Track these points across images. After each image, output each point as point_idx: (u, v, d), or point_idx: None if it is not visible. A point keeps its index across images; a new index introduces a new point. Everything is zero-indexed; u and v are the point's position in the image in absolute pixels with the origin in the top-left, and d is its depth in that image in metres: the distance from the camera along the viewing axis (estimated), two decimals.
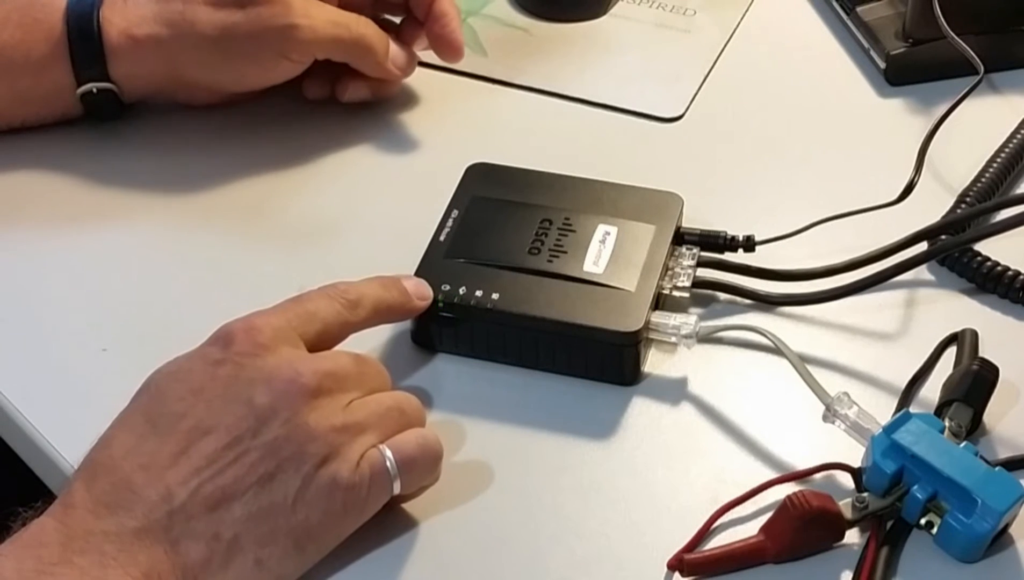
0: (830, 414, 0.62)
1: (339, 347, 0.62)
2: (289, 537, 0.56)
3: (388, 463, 0.58)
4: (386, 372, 0.62)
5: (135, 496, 0.55)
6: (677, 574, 0.58)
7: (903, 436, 0.59)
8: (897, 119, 0.82)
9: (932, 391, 0.65)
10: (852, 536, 0.59)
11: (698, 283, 0.69)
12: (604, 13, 0.90)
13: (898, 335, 0.69)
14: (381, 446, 0.58)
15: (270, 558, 0.56)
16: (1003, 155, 0.76)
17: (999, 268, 0.70)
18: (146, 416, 0.57)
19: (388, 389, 0.62)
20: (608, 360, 0.66)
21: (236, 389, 0.57)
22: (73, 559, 0.53)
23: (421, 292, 0.65)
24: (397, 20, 0.83)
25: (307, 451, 0.56)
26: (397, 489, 0.59)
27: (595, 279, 0.66)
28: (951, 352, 0.66)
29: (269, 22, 0.75)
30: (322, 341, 0.61)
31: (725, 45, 0.88)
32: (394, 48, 0.80)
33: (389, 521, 0.60)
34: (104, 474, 0.56)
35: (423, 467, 0.60)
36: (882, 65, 0.84)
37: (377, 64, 0.79)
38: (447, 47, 0.81)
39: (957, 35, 0.79)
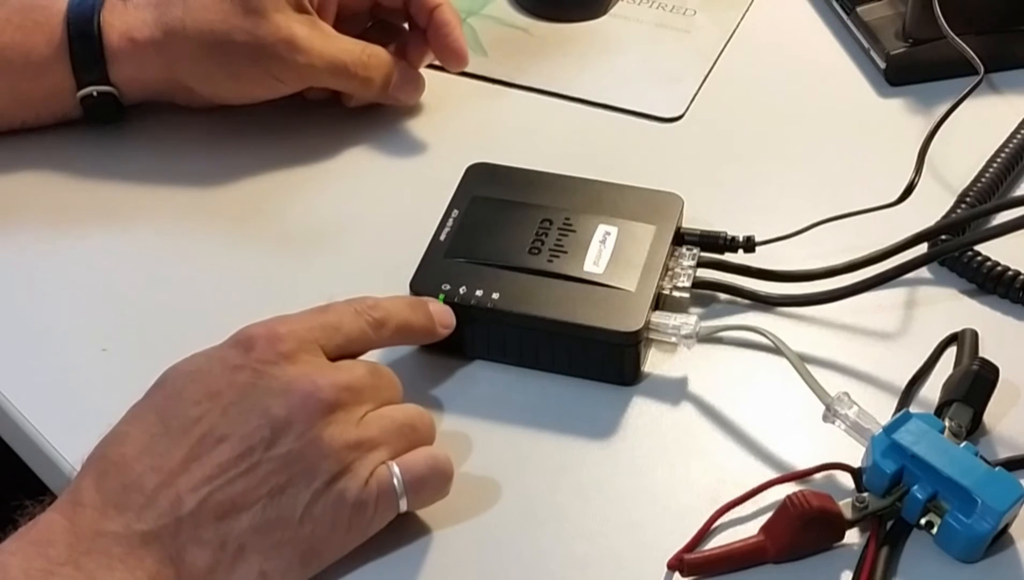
0: (830, 414, 0.62)
1: None
2: (295, 550, 0.56)
3: (396, 482, 0.57)
4: (399, 383, 0.61)
5: (145, 499, 0.55)
6: (677, 574, 0.58)
7: (903, 436, 0.59)
8: (897, 119, 0.82)
9: (932, 391, 0.65)
10: (852, 536, 0.59)
11: (698, 283, 0.69)
12: (604, 13, 0.90)
13: (898, 335, 0.69)
14: (391, 463, 0.58)
15: (274, 570, 0.56)
16: (1003, 155, 0.76)
17: (999, 268, 0.70)
18: (160, 415, 0.57)
19: (400, 400, 0.61)
20: (608, 360, 0.66)
21: (253, 398, 0.56)
22: (80, 560, 0.53)
23: (445, 319, 0.65)
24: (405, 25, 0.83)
25: (319, 467, 0.56)
26: (404, 507, 0.58)
27: (595, 279, 0.66)
28: (951, 352, 0.66)
29: (269, 51, 0.75)
30: (341, 354, 0.60)
31: (725, 45, 0.88)
32: (398, 77, 0.79)
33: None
34: (115, 473, 0.55)
35: (432, 488, 0.59)
36: (882, 65, 0.84)
37: (377, 95, 0.79)
38: (452, 56, 0.81)
39: (957, 35, 0.79)
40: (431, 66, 0.83)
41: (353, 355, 0.61)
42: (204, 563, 0.55)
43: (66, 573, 0.53)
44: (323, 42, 0.76)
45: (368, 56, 0.78)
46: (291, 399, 0.56)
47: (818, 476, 0.61)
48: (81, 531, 0.54)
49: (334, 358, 0.60)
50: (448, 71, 0.83)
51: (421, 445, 0.60)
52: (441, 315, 0.65)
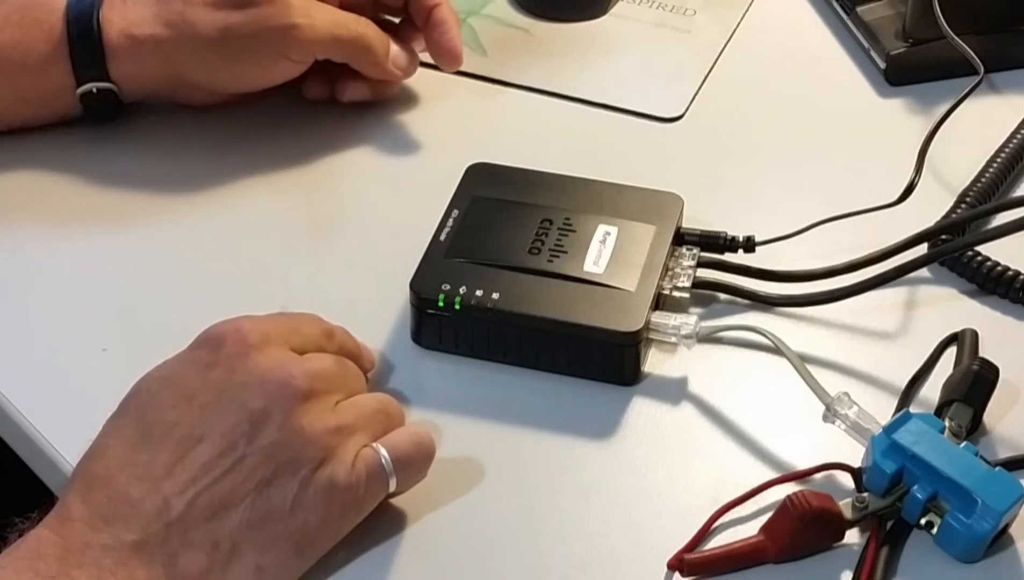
0: (830, 414, 0.62)
1: None
2: (289, 542, 0.56)
3: (383, 461, 0.58)
4: (363, 376, 0.63)
5: (132, 509, 0.55)
6: (677, 574, 0.58)
7: (903, 436, 0.59)
8: (897, 119, 0.82)
9: (932, 391, 0.65)
10: (852, 536, 0.59)
11: (698, 283, 0.69)
12: (604, 13, 0.90)
13: (898, 335, 0.69)
14: (375, 445, 0.58)
15: (270, 564, 0.56)
16: (1003, 155, 0.76)
17: (999, 268, 0.70)
18: (139, 424, 0.57)
19: (365, 391, 0.62)
20: (608, 360, 0.66)
21: (229, 393, 0.57)
22: (71, 573, 0.53)
23: (371, 356, 0.65)
24: (397, 20, 0.83)
25: (303, 455, 0.56)
26: (393, 486, 0.59)
27: (595, 279, 0.66)
28: (951, 352, 0.66)
29: (269, 22, 0.75)
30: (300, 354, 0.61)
31: (725, 45, 0.88)
32: (395, 49, 0.80)
33: (388, 520, 0.60)
34: (100, 486, 0.55)
35: (418, 465, 0.60)
36: (882, 65, 0.84)
37: (377, 64, 0.79)
38: (446, 55, 0.81)
39: (957, 35, 0.79)
40: (431, 65, 0.83)
41: None
42: (198, 566, 0.54)
43: None
44: (320, 11, 0.77)
45: (365, 22, 0.78)
46: (267, 390, 0.57)
47: (818, 476, 0.61)
48: (71, 545, 0.54)
49: None
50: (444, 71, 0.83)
51: (394, 429, 0.60)
52: (368, 350, 0.65)
